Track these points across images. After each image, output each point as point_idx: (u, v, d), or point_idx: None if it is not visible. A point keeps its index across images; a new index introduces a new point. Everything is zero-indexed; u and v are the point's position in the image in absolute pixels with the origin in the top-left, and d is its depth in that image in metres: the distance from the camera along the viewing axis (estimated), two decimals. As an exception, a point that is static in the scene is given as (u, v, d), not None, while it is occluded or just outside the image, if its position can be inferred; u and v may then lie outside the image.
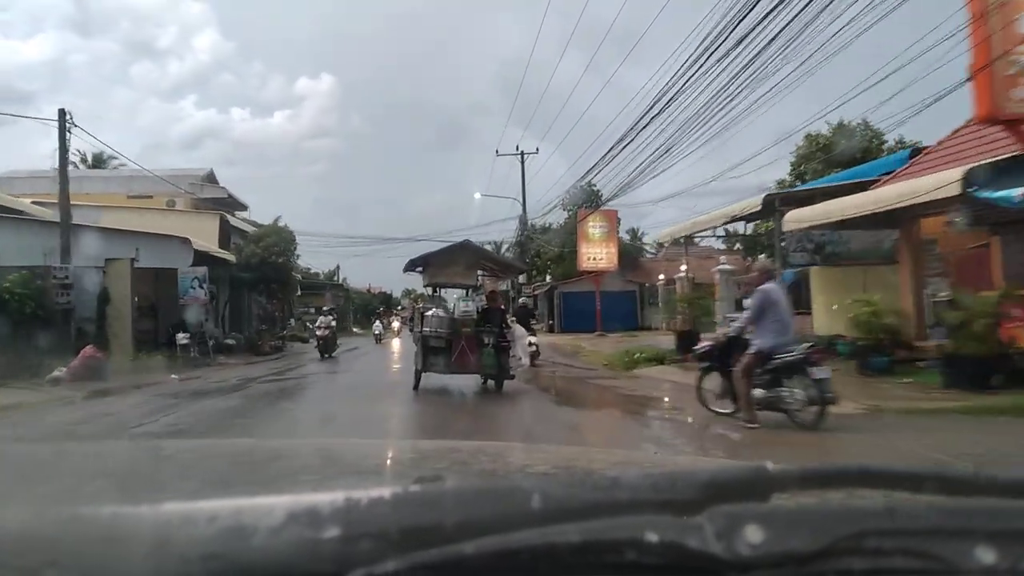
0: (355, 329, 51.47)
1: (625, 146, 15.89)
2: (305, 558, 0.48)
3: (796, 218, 12.07)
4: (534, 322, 17.02)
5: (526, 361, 12.43)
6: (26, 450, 1.37)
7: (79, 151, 26.48)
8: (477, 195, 42.40)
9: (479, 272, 13.80)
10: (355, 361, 20.68)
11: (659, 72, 40.17)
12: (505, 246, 43.03)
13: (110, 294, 16.03)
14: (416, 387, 11.05)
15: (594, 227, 31.48)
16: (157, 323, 19.28)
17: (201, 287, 18.39)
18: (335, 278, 52.88)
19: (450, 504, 0.54)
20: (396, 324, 33.04)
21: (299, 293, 35.06)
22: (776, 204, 13.44)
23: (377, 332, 32.04)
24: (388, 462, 1.22)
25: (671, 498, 0.53)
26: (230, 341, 21.96)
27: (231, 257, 22.75)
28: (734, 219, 15.63)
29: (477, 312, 11.69)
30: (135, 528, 0.54)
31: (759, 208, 13.85)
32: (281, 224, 25.22)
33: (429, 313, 11.36)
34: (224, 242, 23.69)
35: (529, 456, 1.31)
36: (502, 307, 12.83)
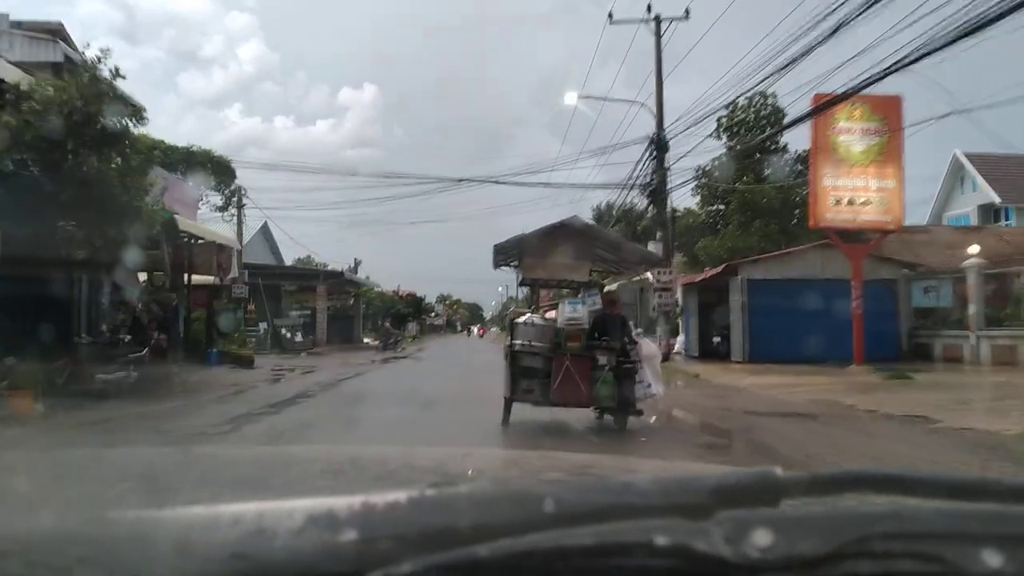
0: (365, 340, 40.58)
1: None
2: (325, 559, 0.52)
3: None
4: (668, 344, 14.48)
5: (659, 389, 8.84)
6: (55, 455, 1.48)
7: None
8: (571, 97, 23.86)
9: (594, 265, 10.53)
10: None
11: None
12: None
13: None
14: (505, 421, 8.61)
15: (851, 133, 14.61)
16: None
17: None
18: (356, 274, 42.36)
19: (465, 507, 0.57)
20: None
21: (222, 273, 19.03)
22: None
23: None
24: (404, 467, 1.24)
25: (681, 502, 0.55)
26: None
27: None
28: None
29: (590, 321, 9.08)
30: (161, 529, 0.59)
31: None
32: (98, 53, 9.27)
33: (522, 320, 9.21)
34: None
35: (542, 462, 1.34)
36: (622, 313, 10.00)
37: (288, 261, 42.92)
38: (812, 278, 17.94)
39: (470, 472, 1.25)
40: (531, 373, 8.64)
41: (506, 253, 10.31)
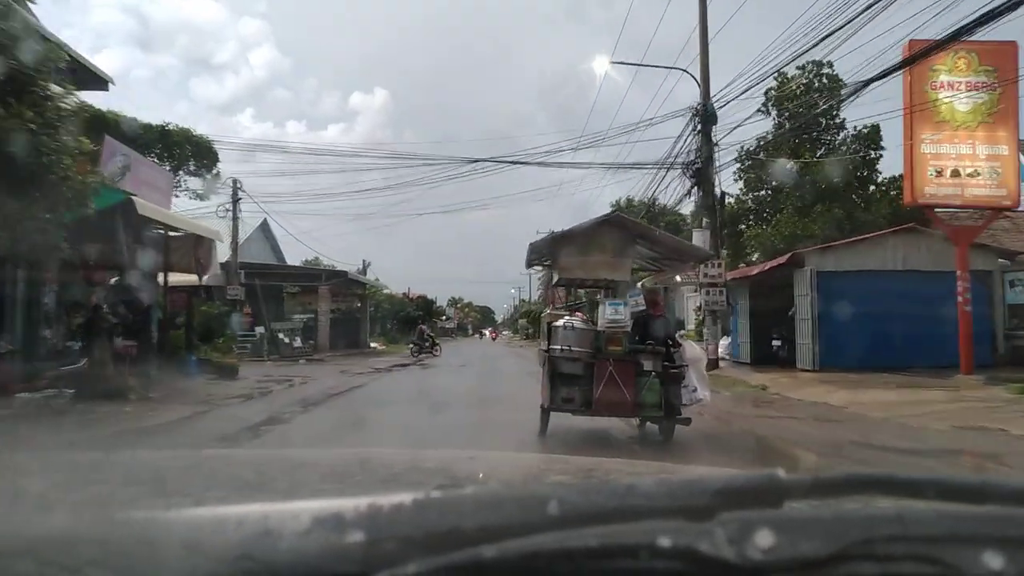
0: (372, 344, 37.98)
1: None
2: (331, 560, 0.52)
3: None
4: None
5: (706, 395, 8.31)
6: (66, 458, 1.48)
7: None
8: (603, 63, 21.56)
9: (635, 263, 9.70)
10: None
11: None
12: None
13: None
14: (543, 432, 8.15)
15: (955, 88, 11.88)
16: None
17: None
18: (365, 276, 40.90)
19: (470, 509, 0.57)
20: None
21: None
22: None
23: None
24: (411, 470, 1.25)
25: (685, 504, 0.56)
26: None
27: None
28: None
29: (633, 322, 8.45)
30: (169, 531, 0.60)
31: None
32: None
33: (560, 324, 8.38)
34: None
35: (548, 465, 1.36)
36: (665, 314, 9.42)
37: (294, 264, 40.53)
38: (893, 269, 15.38)
39: (480, 475, 1.23)
40: (571, 380, 8.12)
41: (540, 252, 9.90)
